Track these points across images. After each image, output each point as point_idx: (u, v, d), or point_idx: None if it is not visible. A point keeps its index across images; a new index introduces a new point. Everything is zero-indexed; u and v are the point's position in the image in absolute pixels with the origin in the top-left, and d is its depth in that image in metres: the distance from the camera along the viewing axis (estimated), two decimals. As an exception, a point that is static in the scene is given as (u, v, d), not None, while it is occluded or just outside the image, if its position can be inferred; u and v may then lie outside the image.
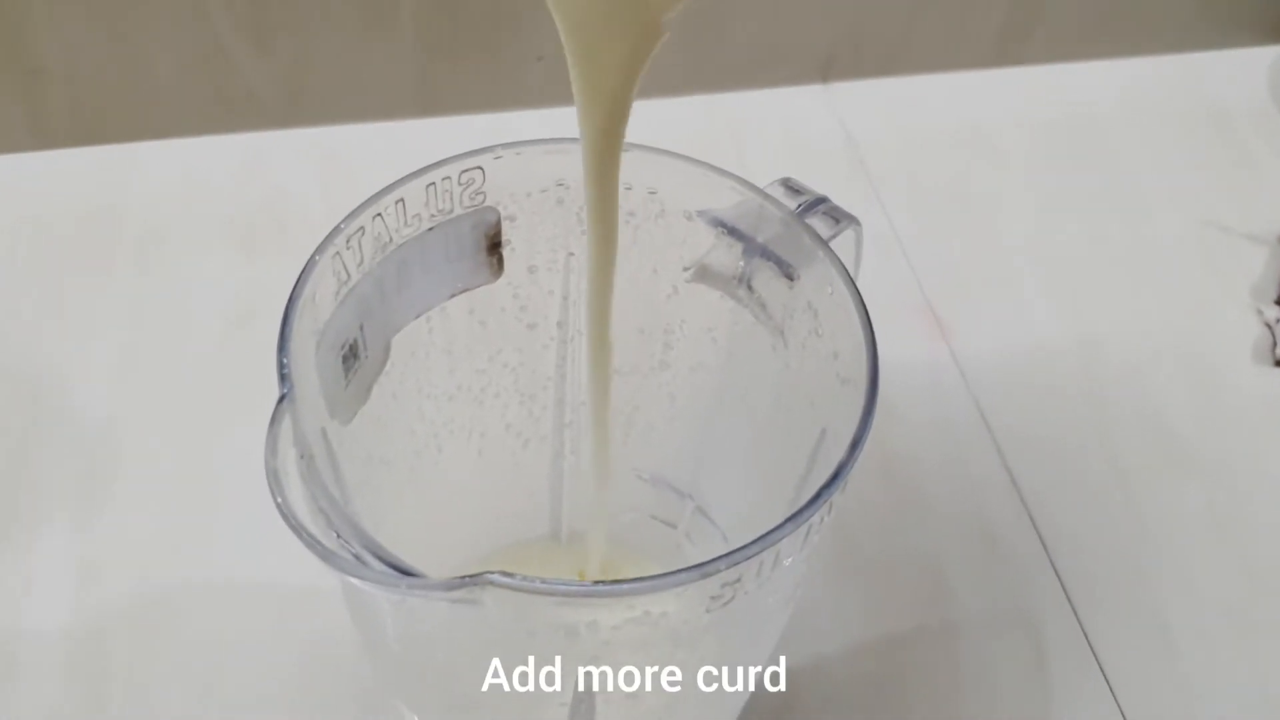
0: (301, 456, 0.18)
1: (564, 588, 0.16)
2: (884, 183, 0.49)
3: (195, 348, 0.41)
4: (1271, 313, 0.45)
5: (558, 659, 0.18)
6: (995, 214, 0.49)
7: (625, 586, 0.16)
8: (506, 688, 0.19)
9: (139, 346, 0.41)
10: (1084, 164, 0.51)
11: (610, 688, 0.19)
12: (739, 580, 0.17)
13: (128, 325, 0.42)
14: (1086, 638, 0.36)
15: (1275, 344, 0.44)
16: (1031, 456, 0.40)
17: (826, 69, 0.53)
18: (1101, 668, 0.35)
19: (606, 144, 0.20)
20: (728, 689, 0.21)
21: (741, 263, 0.23)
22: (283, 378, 0.18)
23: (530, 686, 0.19)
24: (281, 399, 0.18)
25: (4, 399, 0.39)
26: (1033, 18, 0.53)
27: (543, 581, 0.16)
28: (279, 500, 0.17)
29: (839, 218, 0.23)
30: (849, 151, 0.50)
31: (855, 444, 0.18)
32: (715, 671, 0.20)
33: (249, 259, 0.44)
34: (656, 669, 0.19)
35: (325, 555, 0.17)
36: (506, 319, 0.26)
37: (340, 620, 0.35)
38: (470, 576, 0.16)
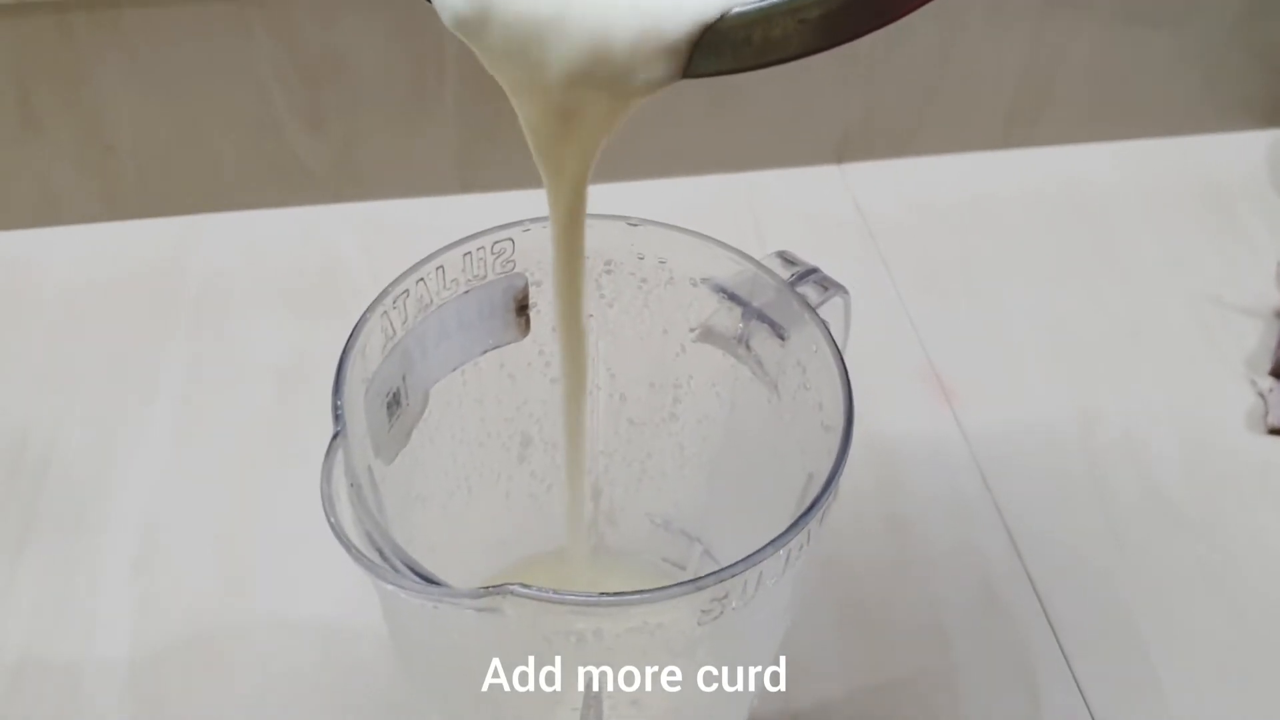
0: (351, 485, 0.21)
1: (574, 598, 0.19)
2: (894, 257, 0.52)
3: (249, 402, 0.44)
4: (1265, 383, 0.47)
5: (568, 663, 0.21)
6: (1000, 288, 0.51)
7: (626, 598, 0.19)
8: (524, 689, 0.21)
9: (197, 401, 0.44)
10: (1086, 241, 0.53)
11: (615, 691, 0.22)
12: (726, 596, 0.20)
13: (188, 382, 0.45)
14: (1079, 688, 0.38)
15: (1267, 412, 0.46)
16: (1030, 516, 0.42)
17: (841, 150, 0.56)
18: (1091, 712, 0.37)
19: (571, 219, 0.23)
20: (725, 693, 0.24)
21: (741, 325, 0.26)
22: (337, 417, 0.21)
23: (544, 688, 0.21)
24: (335, 435, 0.21)
25: (73, 447, 0.43)
26: (1038, 102, 0.56)
27: (555, 593, 0.19)
28: (332, 520, 0.20)
29: (828, 286, 0.26)
30: (861, 227, 0.53)
31: (830, 480, 0.21)
32: (714, 673, 0.23)
33: (301, 322, 0.47)
34: (656, 671, 0.21)
35: (371, 567, 0.20)
36: (533, 374, 0.29)
37: (376, 652, 0.37)
38: (493, 587, 0.19)
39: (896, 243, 0.52)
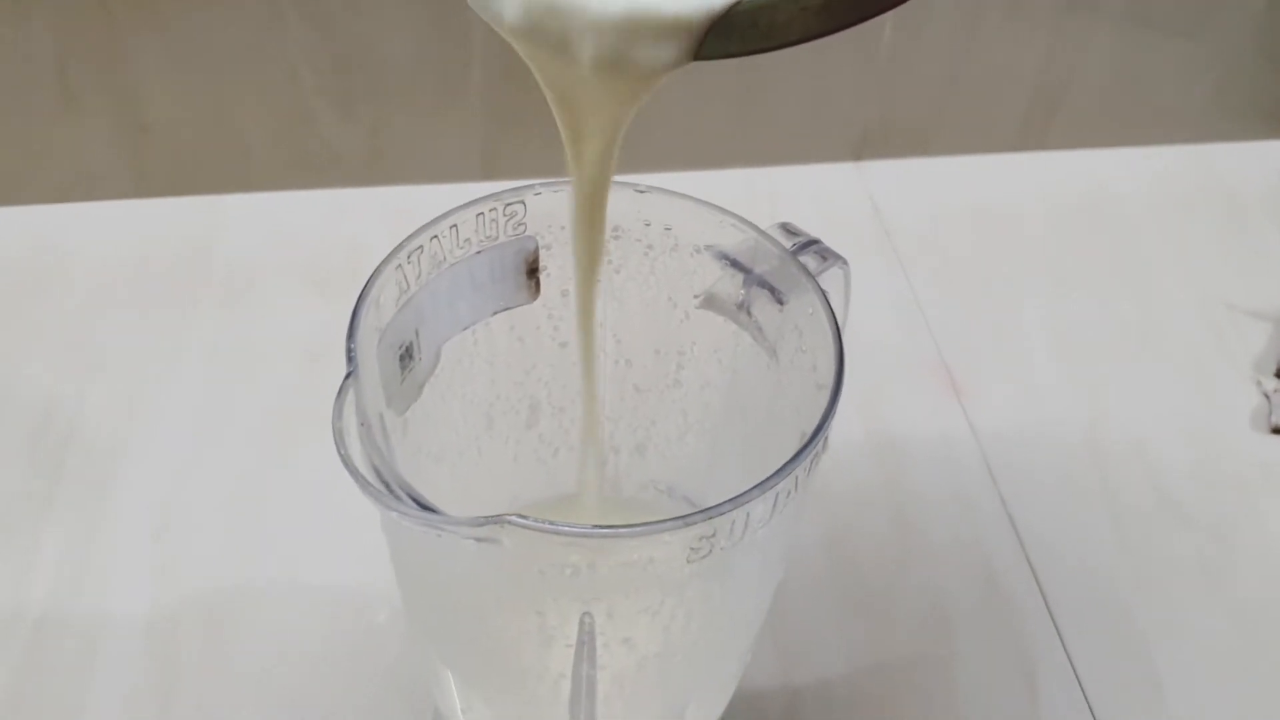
0: (362, 424, 0.22)
1: (570, 529, 0.20)
2: (909, 255, 0.53)
3: (271, 378, 0.46)
4: (1270, 384, 0.48)
5: (563, 597, 0.22)
6: (1013, 287, 0.52)
7: (620, 530, 0.20)
8: (520, 625, 0.22)
9: (220, 375, 0.46)
10: (1099, 244, 0.54)
11: (608, 629, 0.22)
12: (714, 535, 0.21)
13: (212, 356, 0.46)
14: (1077, 677, 0.38)
15: (1271, 412, 0.47)
16: (1035, 511, 0.43)
17: (859, 149, 0.57)
18: (1090, 707, 0.38)
19: (596, 193, 0.24)
20: (714, 639, 0.25)
21: (742, 291, 0.27)
22: (350, 358, 0.23)
23: (539, 624, 0.22)
24: (348, 375, 0.22)
25: (97, 418, 0.44)
26: (1054, 105, 0.57)
27: (552, 524, 0.20)
28: (343, 452, 0.21)
29: (827, 256, 0.27)
30: (876, 225, 0.54)
31: (819, 428, 0.22)
32: (702, 615, 0.23)
33: (324, 301, 0.49)
34: (648, 609, 0.22)
35: (378, 496, 0.21)
36: (542, 337, 0.30)
37: (387, 619, 0.38)
38: (492, 517, 0.20)
39: (912, 241, 0.53)
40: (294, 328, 0.47)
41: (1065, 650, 0.39)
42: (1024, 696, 0.38)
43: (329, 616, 0.39)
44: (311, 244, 0.51)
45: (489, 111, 0.52)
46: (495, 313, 0.28)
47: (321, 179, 0.53)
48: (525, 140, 0.53)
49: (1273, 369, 0.48)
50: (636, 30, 0.21)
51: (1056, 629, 0.40)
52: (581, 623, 0.22)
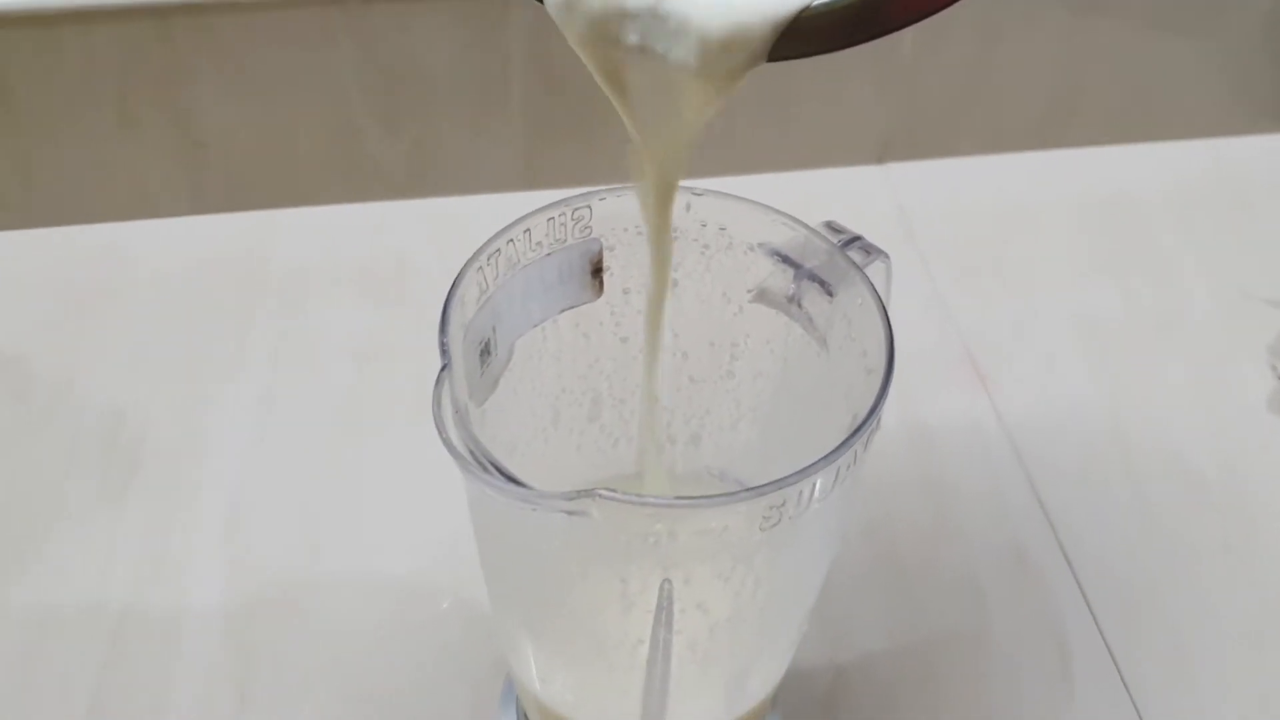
0: (456, 411, 0.24)
1: (654, 500, 0.22)
2: (933, 253, 0.54)
3: (328, 381, 0.48)
4: (1285, 368, 0.50)
5: (644, 565, 0.24)
6: (1035, 281, 0.54)
7: (700, 500, 0.22)
8: (603, 593, 0.24)
9: (280, 379, 0.48)
10: (1117, 237, 0.56)
11: (684, 594, 0.24)
12: (784, 504, 0.23)
13: (270, 362, 0.48)
14: (1109, 650, 0.40)
15: (1287, 395, 0.48)
16: (1062, 491, 0.45)
17: (883, 151, 0.59)
18: (1123, 678, 0.40)
19: (667, 191, 0.27)
20: (780, 603, 0.27)
21: (793, 285, 0.29)
22: (444, 351, 0.25)
23: (621, 591, 0.24)
24: (443, 368, 0.24)
25: (166, 422, 0.46)
26: (1072, 105, 0.59)
27: (638, 496, 0.22)
28: (444, 436, 0.23)
29: (871, 251, 0.29)
30: (902, 224, 0.56)
31: (875, 406, 0.24)
32: (771, 580, 0.25)
33: (375, 309, 0.51)
34: (722, 574, 0.24)
35: (478, 475, 0.23)
36: (604, 333, 0.32)
37: (451, 609, 0.40)
38: (583, 490, 0.22)
39: (936, 239, 0.55)
40: (347, 333, 0.50)
41: (1097, 625, 0.41)
42: (1058, 670, 0.40)
43: (395, 605, 0.41)
44: (361, 254, 0.53)
45: (529, 123, 0.54)
46: (563, 310, 0.30)
47: (369, 191, 0.55)
48: (565, 149, 0.55)
49: (1288, 354, 0.50)
50: (716, 38, 0.22)
51: (1088, 605, 0.41)
52: (661, 589, 0.24)
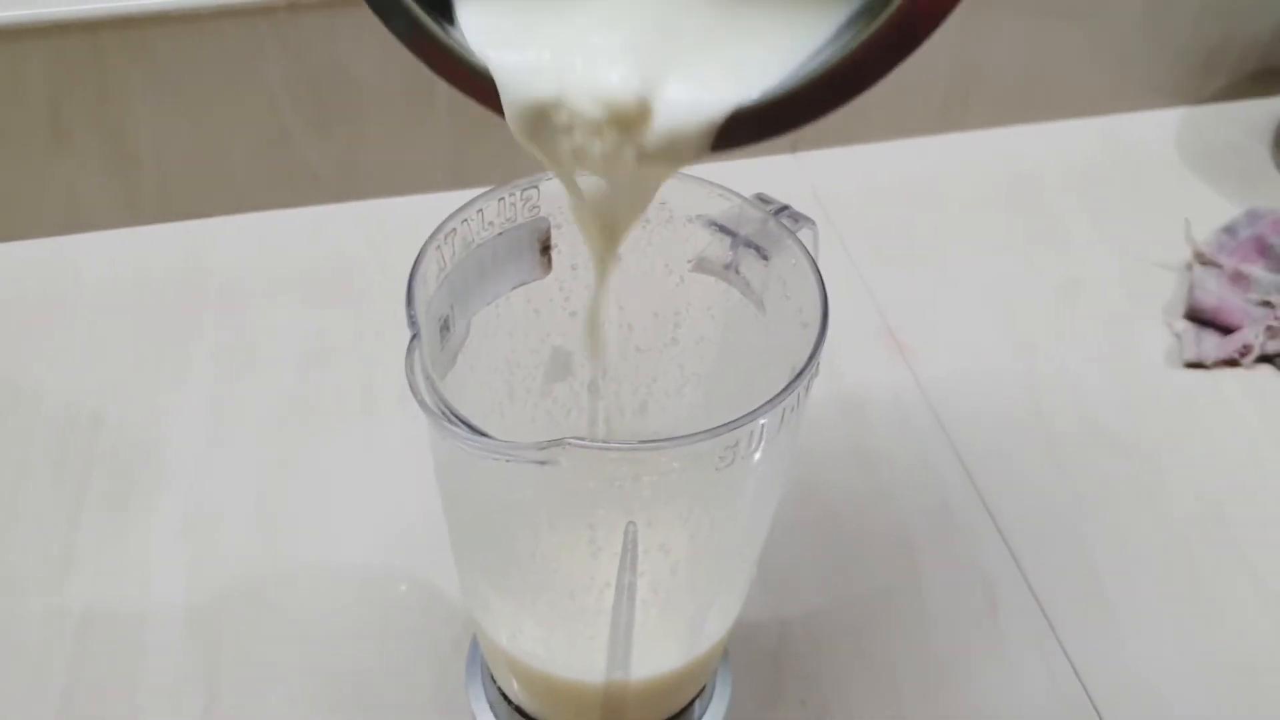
0: (426, 378, 0.26)
1: (619, 445, 0.24)
2: (848, 233, 0.57)
3: (276, 380, 0.49)
4: (1179, 325, 0.53)
5: (610, 510, 0.26)
6: (944, 256, 0.57)
7: (662, 443, 0.24)
8: (570, 540, 0.26)
9: (228, 380, 0.49)
10: (1019, 211, 0.59)
11: (647, 536, 0.26)
12: (736, 445, 0.25)
13: (218, 364, 0.49)
14: (1033, 593, 0.43)
15: (1183, 350, 0.52)
16: (981, 448, 0.48)
17: (795, 141, 0.61)
18: (1047, 617, 0.42)
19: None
20: (733, 543, 0.29)
21: (731, 252, 0.31)
22: (412, 322, 0.26)
23: (588, 537, 0.26)
24: (413, 337, 0.26)
25: (117, 427, 0.47)
26: (969, 89, 0.62)
27: (604, 442, 0.24)
28: (420, 398, 0.25)
29: (798, 218, 0.31)
30: (817, 209, 0.58)
31: (813, 354, 0.26)
32: (725, 519, 0.28)
33: (316, 309, 0.52)
34: (681, 514, 0.26)
35: (453, 432, 0.24)
36: (554, 308, 0.34)
37: (403, 588, 0.41)
38: (554, 440, 0.24)
39: (850, 221, 0.58)
40: (291, 333, 0.51)
41: (1020, 569, 0.44)
42: (985, 613, 0.42)
43: (354, 591, 0.42)
44: (299, 257, 0.54)
45: (455, 125, 0.55)
46: (514, 287, 0.32)
47: (303, 197, 0.56)
48: (490, 148, 0.56)
49: (1180, 312, 0.54)
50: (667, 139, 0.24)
51: (1010, 551, 0.44)
52: (626, 531, 0.26)
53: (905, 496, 0.46)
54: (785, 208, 0.32)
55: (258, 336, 0.51)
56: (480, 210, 0.30)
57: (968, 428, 0.49)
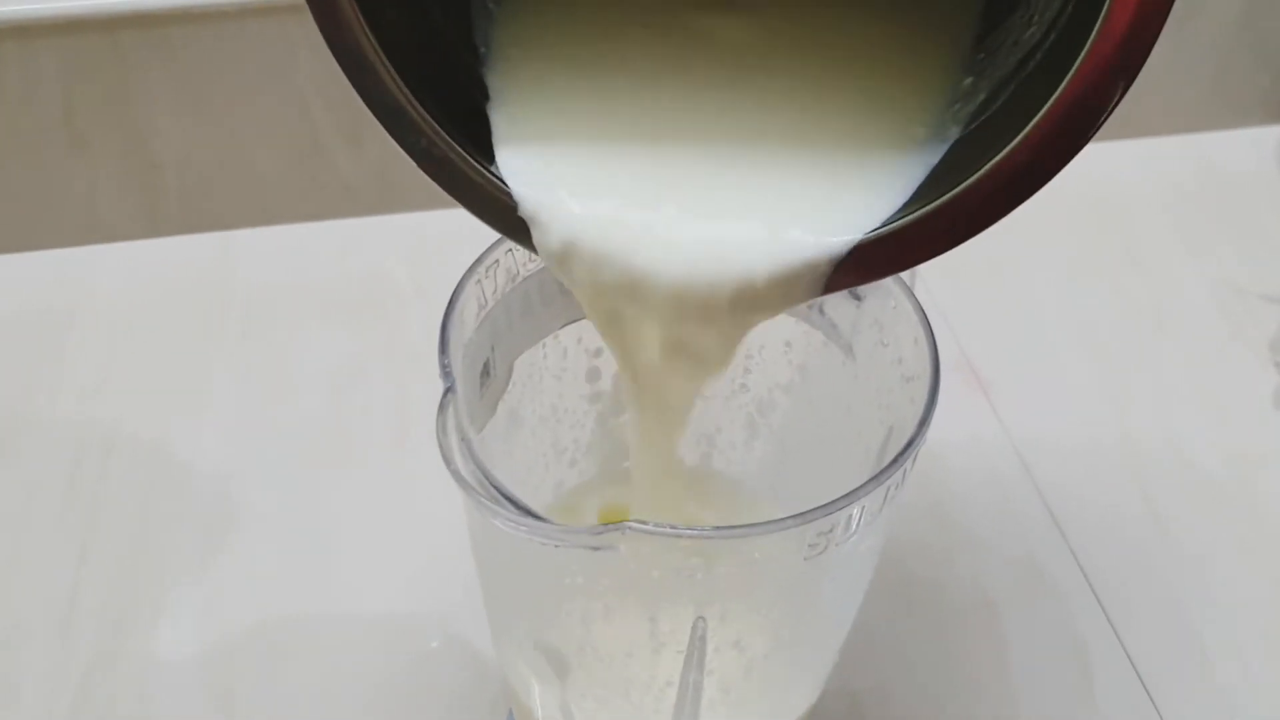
0: (462, 440, 0.22)
1: (691, 531, 0.20)
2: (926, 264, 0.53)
3: (302, 405, 0.45)
4: (1288, 364, 0.49)
5: (676, 602, 0.22)
6: (1028, 284, 0.52)
7: (742, 530, 0.20)
8: (629, 634, 0.22)
9: (252, 404, 0.45)
10: (1107, 235, 0.55)
11: (719, 632, 0.22)
12: (831, 530, 0.21)
13: (241, 386, 0.46)
14: (1129, 658, 0.39)
15: (1292, 392, 0.47)
16: (1070, 496, 0.44)
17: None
18: (1145, 686, 0.38)
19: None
20: (818, 638, 0.25)
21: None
22: (446, 373, 0.22)
23: (652, 631, 0.22)
24: (447, 391, 0.22)
25: (129, 456, 0.44)
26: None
27: (673, 527, 0.20)
28: (452, 469, 0.21)
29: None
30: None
31: (923, 420, 0.22)
32: (812, 614, 0.23)
33: (347, 329, 0.49)
34: (760, 612, 0.22)
35: (490, 509, 0.20)
36: (608, 351, 0.30)
37: (435, 644, 0.38)
38: (611, 525, 0.20)
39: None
40: (319, 355, 0.47)
41: (1114, 630, 0.40)
42: (1077, 677, 0.38)
43: (381, 644, 0.39)
44: (329, 273, 0.51)
45: (499, 133, 0.52)
46: (564, 325, 0.28)
47: (334, 209, 0.53)
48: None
49: (1289, 349, 0.49)
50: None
51: (1103, 610, 0.40)
52: (694, 628, 0.22)
53: (986, 548, 0.42)
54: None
55: (284, 359, 0.47)
56: (527, 238, 0.26)
57: (1056, 473, 0.45)
